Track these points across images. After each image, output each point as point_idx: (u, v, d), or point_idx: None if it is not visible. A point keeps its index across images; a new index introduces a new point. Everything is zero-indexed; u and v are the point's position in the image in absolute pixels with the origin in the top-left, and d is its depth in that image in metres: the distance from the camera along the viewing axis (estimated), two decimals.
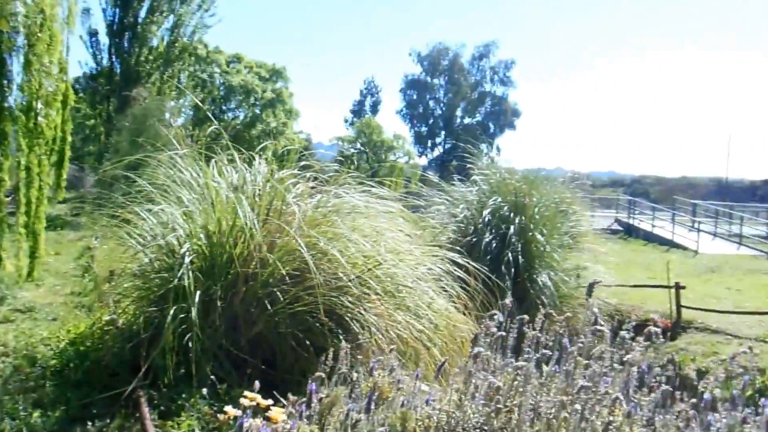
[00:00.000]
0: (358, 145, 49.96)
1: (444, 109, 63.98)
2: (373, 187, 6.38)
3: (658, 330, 3.63)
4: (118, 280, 5.98)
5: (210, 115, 38.32)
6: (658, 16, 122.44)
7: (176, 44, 28.59)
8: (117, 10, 27.29)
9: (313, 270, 4.83)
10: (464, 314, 5.73)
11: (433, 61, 63.47)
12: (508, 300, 3.89)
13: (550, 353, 3.61)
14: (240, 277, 5.19)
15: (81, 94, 29.74)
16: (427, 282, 5.70)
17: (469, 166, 10.82)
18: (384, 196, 6.42)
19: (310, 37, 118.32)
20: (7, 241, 9.18)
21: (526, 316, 3.68)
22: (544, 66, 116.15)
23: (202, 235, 5.50)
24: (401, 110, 64.44)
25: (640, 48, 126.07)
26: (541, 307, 8.84)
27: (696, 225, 27.45)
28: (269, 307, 5.10)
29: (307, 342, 5.04)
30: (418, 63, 64.09)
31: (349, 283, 5.17)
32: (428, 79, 64.14)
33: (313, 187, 6.16)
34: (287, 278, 5.14)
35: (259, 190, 5.80)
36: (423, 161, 62.80)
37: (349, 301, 5.20)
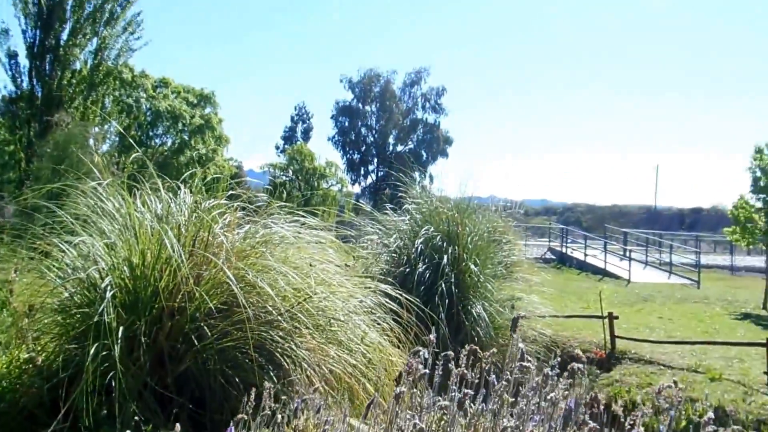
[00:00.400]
0: (290, 173, 49.76)
1: (376, 136, 64.15)
2: (303, 217, 6.28)
3: (582, 366, 3.60)
4: (38, 316, 5.70)
5: (136, 141, 37.72)
6: (589, 47, 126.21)
7: (100, 68, 27.90)
8: (38, 31, 26.51)
9: (243, 303, 4.67)
10: (398, 347, 5.65)
11: (364, 88, 63.61)
12: (432, 336, 3.80)
13: (474, 392, 3.55)
14: (165, 312, 5.00)
15: (0, 119, 28.75)
16: (360, 315, 5.60)
17: (401, 194, 10.79)
18: (315, 226, 6.32)
19: (239, 61, 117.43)
20: None
21: (451, 353, 3.61)
22: (475, 93, 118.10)
23: (125, 268, 5.29)
24: (333, 137, 64.32)
25: (573, 78, 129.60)
26: (476, 338, 8.83)
27: (627, 254, 28.15)
28: (196, 343, 4.93)
29: (237, 379, 4.88)
30: (350, 89, 64.15)
31: (279, 318, 5.04)
32: (360, 105, 64.23)
33: (241, 217, 6.01)
34: (215, 312, 4.97)
35: (185, 220, 5.62)
36: (356, 189, 62.88)
37: (280, 336, 5.06)
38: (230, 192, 6.23)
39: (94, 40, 27.70)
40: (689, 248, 31.71)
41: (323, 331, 5.36)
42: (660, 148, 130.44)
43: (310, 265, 5.68)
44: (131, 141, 28.39)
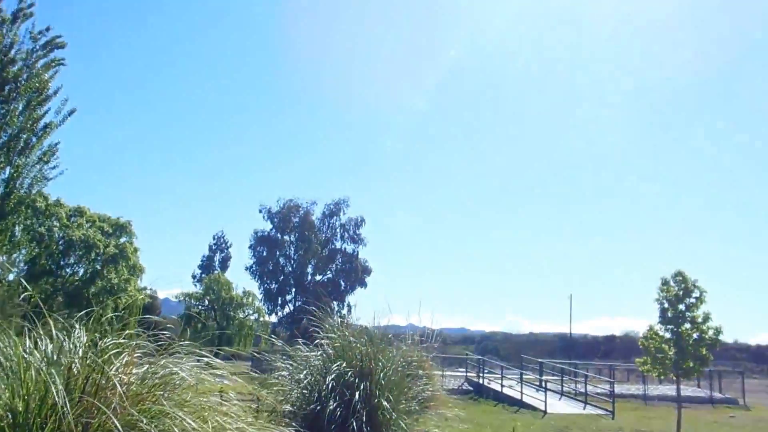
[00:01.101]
0: (206, 302, 48.91)
1: (294, 266, 64.11)
2: (206, 356, 6.01)
3: None
4: None
5: (46, 270, 36.52)
6: (506, 180, 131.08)
7: (12, 197, 27.18)
8: None
9: None
10: None
11: (283, 218, 64.06)
12: None
13: None
14: None
15: None
16: None
17: (313, 328, 10.53)
18: (219, 366, 6.06)
19: (158, 190, 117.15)
20: None
21: None
22: (395, 222, 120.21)
23: (9, 414, 4.90)
24: (251, 266, 63.91)
25: (490, 208, 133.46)
26: None
27: (543, 384, 28.31)
28: None
29: None
30: (269, 220, 64.51)
31: None
32: (279, 235, 64.43)
33: (141, 356, 5.72)
34: None
35: (78, 361, 5.30)
36: (273, 319, 62.02)
37: None
38: (128, 331, 5.95)
39: (7, 169, 27.08)
40: (603, 378, 32.13)
41: None
42: (574, 274, 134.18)
43: (211, 408, 5.40)
44: (43, 269, 27.41)
